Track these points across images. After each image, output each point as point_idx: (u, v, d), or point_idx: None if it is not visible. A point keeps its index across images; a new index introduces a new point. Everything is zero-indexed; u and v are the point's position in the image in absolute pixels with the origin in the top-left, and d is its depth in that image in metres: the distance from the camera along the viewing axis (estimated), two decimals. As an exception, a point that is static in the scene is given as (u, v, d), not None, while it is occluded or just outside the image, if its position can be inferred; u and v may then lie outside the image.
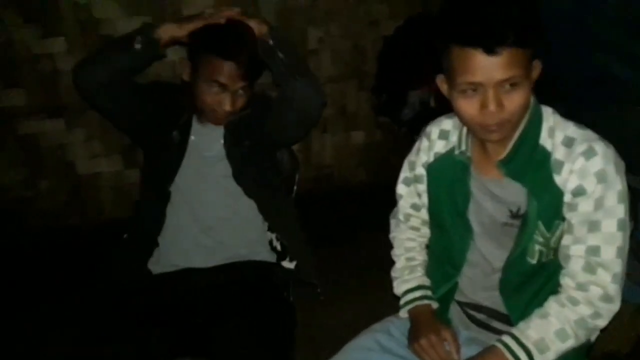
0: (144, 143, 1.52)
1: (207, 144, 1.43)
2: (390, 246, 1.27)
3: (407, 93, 2.96)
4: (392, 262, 1.25)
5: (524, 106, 0.94)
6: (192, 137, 1.42)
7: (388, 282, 1.24)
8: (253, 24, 1.34)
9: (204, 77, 1.31)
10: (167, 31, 1.34)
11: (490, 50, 0.87)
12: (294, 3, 3.03)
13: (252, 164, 1.42)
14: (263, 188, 1.44)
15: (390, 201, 1.26)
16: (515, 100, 0.91)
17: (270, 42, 1.33)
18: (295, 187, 1.60)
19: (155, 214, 1.42)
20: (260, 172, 1.44)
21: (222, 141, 1.42)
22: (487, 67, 0.88)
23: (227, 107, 1.32)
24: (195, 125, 1.43)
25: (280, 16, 2.99)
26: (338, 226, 2.68)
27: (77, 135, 2.80)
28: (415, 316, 1.14)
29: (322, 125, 3.23)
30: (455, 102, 0.96)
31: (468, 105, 0.94)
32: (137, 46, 1.31)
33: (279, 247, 1.47)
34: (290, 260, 1.45)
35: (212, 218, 1.42)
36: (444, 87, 1.02)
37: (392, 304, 1.23)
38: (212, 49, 1.29)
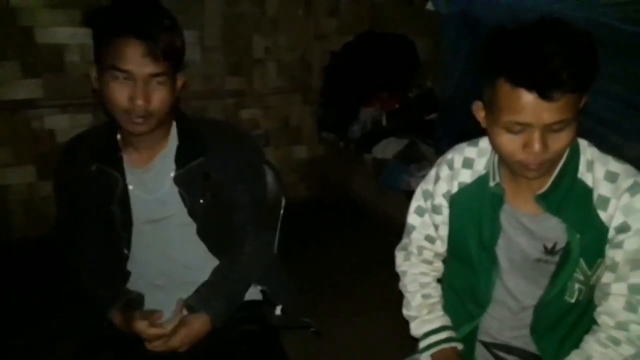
0: None
1: (151, 183, 1.13)
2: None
3: (358, 110, 2.92)
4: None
5: (569, 146, 0.90)
6: (130, 187, 1.13)
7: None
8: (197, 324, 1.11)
9: (106, 67, 0.99)
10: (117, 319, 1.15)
11: (546, 96, 0.81)
12: (241, 9, 2.87)
13: (219, 219, 1.17)
14: (233, 244, 1.21)
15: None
16: (561, 141, 0.87)
17: None
18: (281, 212, 1.37)
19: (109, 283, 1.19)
20: (229, 228, 1.20)
21: (171, 174, 1.12)
22: (538, 109, 0.82)
23: (140, 100, 0.99)
24: (129, 170, 1.13)
25: (226, 22, 2.82)
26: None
27: (-19, 141, 2.45)
28: (440, 360, 1.06)
29: (265, 138, 3.09)
30: (495, 136, 0.90)
31: (510, 143, 0.88)
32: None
33: (259, 289, 1.29)
34: (274, 305, 1.27)
35: (180, 270, 1.20)
36: (480, 115, 0.95)
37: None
38: (109, 28, 0.98)
